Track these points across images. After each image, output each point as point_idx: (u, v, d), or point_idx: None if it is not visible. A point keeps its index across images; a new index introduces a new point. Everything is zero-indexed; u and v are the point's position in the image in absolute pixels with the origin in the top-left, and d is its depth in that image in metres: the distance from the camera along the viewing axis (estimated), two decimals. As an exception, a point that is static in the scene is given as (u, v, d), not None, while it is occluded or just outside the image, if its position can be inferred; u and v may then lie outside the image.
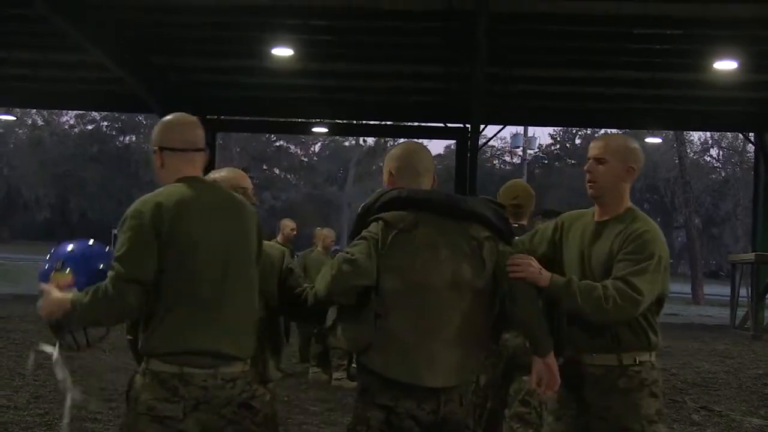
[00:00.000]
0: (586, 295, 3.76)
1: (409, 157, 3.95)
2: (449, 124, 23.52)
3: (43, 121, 72.10)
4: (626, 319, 3.81)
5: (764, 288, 21.99)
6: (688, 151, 52.09)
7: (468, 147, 22.09)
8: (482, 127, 22.37)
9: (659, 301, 3.96)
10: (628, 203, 4.06)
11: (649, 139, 37.67)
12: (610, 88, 21.02)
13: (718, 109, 22.98)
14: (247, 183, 4.27)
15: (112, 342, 12.68)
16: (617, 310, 3.73)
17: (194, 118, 3.78)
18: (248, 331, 3.58)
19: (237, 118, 25.67)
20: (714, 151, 62.37)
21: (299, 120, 25.55)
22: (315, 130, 26.12)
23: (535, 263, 3.79)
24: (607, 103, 22.60)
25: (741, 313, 23.68)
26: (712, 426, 8.98)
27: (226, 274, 3.50)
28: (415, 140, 4.34)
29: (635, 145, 4.05)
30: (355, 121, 26.10)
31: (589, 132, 71.01)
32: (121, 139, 73.90)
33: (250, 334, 3.60)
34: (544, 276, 3.79)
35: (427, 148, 4.07)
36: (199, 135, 3.72)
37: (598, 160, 4.03)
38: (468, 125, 22.00)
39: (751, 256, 22.13)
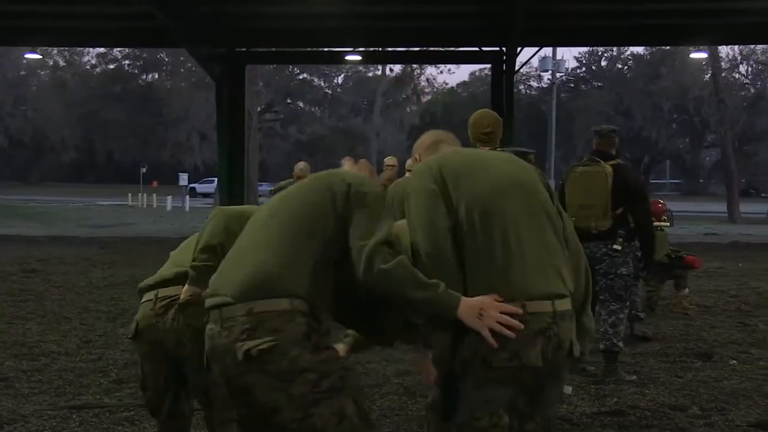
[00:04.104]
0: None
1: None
2: (484, 48, 22.84)
3: (64, 62, 71.72)
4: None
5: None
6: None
7: (503, 71, 21.49)
8: (519, 49, 21.68)
9: None
10: None
11: (695, 55, 36.72)
12: (646, 4, 20.23)
13: (758, 21, 22.10)
14: None
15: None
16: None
17: None
18: None
19: (266, 49, 25.13)
20: (743, 68, 61.22)
21: (330, 49, 24.96)
22: (348, 58, 25.44)
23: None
24: (644, 19, 21.77)
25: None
26: (791, 350, 8.58)
27: None
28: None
29: None
30: (389, 49, 25.41)
31: (614, 52, 69.97)
32: (144, 77, 73.48)
33: None
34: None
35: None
36: None
37: None
38: (504, 48, 21.34)
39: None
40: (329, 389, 3.00)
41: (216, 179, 54.30)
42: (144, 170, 54.20)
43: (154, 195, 47.97)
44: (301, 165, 10.45)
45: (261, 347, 2.97)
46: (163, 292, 3.96)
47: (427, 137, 3.75)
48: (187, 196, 48.71)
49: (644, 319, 9.32)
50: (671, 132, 67.24)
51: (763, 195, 61.77)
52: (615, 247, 7.38)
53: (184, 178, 50.37)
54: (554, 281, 3.19)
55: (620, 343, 7.23)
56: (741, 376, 7.37)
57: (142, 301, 4.10)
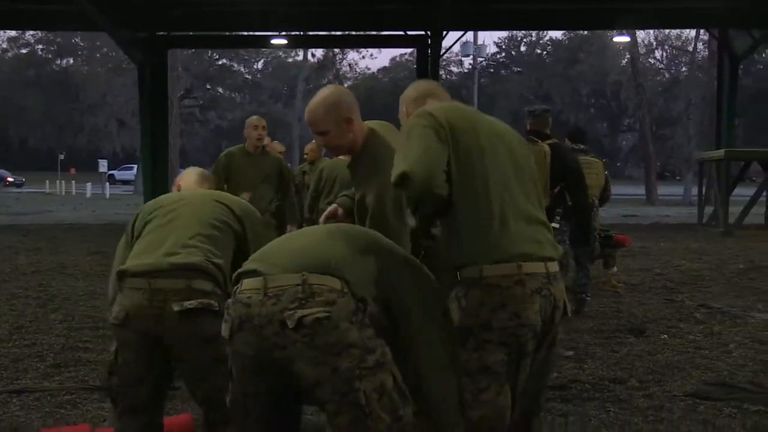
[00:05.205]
0: None
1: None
2: (409, 32, 22.87)
3: (-27, 47, 70.00)
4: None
5: (733, 184, 22.01)
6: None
7: (428, 54, 21.56)
8: (444, 33, 21.77)
9: None
10: None
11: (617, 38, 37.20)
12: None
13: (679, 6, 22.57)
14: None
15: (84, 269, 12.36)
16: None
17: None
18: None
19: (188, 33, 24.79)
20: (658, 53, 62.41)
21: (254, 33, 24.76)
22: (274, 42, 25.21)
23: None
24: (568, 3, 22.07)
25: (693, 210, 23.73)
26: (717, 323, 8.80)
27: None
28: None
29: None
30: (313, 33, 25.32)
31: (534, 37, 70.78)
32: (58, 62, 71.98)
33: None
34: None
35: None
36: None
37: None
38: (428, 32, 21.39)
39: (720, 153, 22.02)
40: (374, 365, 2.98)
41: (135, 166, 53.66)
42: (62, 157, 53.22)
43: (73, 182, 47.12)
44: (253, 119, 8.90)
45: (317, 316, 2.92)
46: (158, 284, 3.67)
47: (414, 90, 3.70)
48: (107, 183, 47.97)
49: (588, 302, 9.37)
50: (589, 116, 68.39)
51: (677, 178, 63.07)
52: (553, 225, 7.50)
53: (103, 165, 49.58)
54: (546, 247, 3.26)
55: None
56: (673, 349, 7.54)
57: (128, 286, 3.75)
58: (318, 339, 2.93)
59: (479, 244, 3.16)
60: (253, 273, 3.10)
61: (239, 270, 3.20)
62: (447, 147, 3.19)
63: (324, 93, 3.76)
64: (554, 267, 3.25)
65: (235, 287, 3.14)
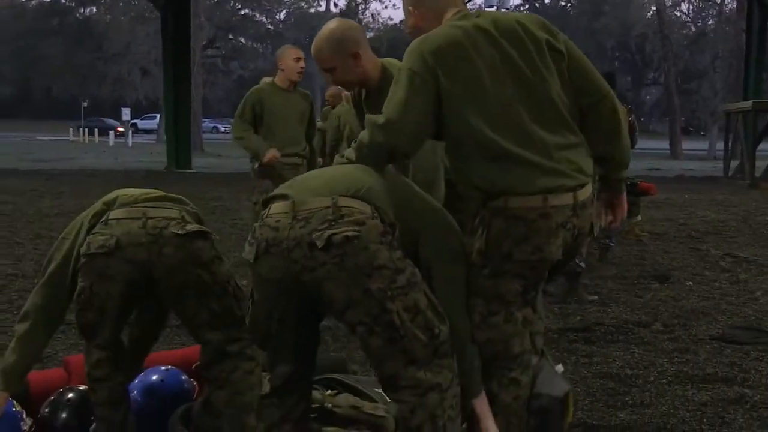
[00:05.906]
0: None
1: None
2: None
3: (-4, -6, 69.97)
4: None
5: (760, 136, 21.79)
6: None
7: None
8: (468, -20, 21.52)
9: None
10: None
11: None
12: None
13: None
14: None
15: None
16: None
17: None
18: None
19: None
20: (684, 5, 61.62)
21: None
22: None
23: None
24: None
25: (718, 164, 23.54)
26: (743, 272, 8.74)
27: None
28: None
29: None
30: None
31: (558, -10, 69.94)
32: (81, 11, 71.84)
33: None
34: None
35: None
36: None
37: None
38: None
39: (748, 104, 21.76)
40: (405, 284, 2.92)
41: (158, 115, 53.67)
42: (85, 105, 53.31)
43: (96, 130, 47.25)
44: (291, 48, 7.49)
45: (346, 234, 2.86)
46: (155, 212, 3.50)
47: None
48: (130, 132, 48.06)
49: (612, 249, 9.27)
50: (614, 69, 67.65)
51: (702, 133, 62.59)
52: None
53: (126, 113, 49.71)
54: (573, 175, 3.05)
55: (582, 263, 7.26)
56: (698, 296, 7.50)
57: (118, 217, 3.48)
58: (348, 260, 2.87)
59: (498, 183, 3.03)
60: (282, 197, 3.05)
61: (268, 195, 3.15)
62: (432, 97, 3.02)
63: (328, 28, 3.58)
64: (584, 194, 3.06)
65: (264, 211, 3.07)
